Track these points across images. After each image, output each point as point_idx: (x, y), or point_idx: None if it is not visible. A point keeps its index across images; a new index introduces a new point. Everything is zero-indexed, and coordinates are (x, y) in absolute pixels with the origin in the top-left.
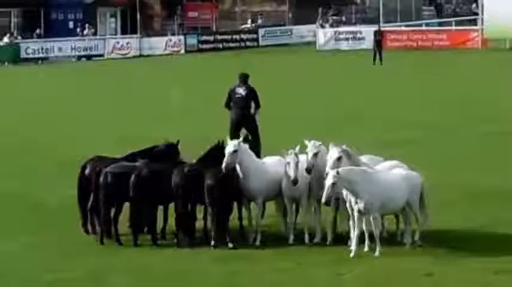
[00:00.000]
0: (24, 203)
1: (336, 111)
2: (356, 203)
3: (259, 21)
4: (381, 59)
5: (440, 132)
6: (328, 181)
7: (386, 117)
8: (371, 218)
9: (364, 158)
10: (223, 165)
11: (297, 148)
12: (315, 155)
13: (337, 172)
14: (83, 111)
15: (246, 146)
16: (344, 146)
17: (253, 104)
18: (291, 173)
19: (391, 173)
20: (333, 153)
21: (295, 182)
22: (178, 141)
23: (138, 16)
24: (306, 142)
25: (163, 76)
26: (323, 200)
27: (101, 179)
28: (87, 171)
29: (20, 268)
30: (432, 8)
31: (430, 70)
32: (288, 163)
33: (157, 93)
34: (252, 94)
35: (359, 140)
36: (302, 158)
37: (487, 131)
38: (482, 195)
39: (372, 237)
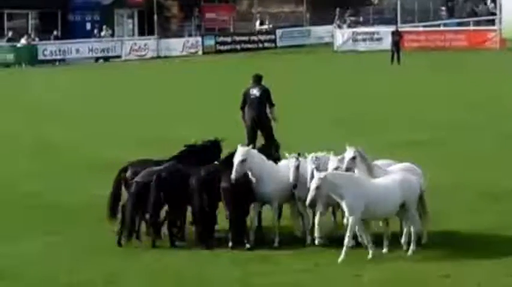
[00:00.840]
0: (44, 203)
1: (356, 112)
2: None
3: (267, 21)
4: (398, 60)
5: (462, 132)
6: (313, 184)
7: (406, 117)
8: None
9: (377, 162)
10: (232, 175)
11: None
12: (297, 168)
13: (323, 175)
14: (102, 112)
15: (255, 152)
16: (359, 147)
17: (268, 104)
18: (290, 177)
19: (385, 178)
20: (348, 153)
21: (294, 186)
22: (221, 140)
23: (156, 17)
24: (287, 155)
25: (181, 77)
26: (307, 202)
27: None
28: (127, 173)
29: (37, 269)
30: (453, 7)
31: (448, 70)
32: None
33: (175, 94)
34: (265, 94)
35: (381, 141)
36: (322, 159)
37: (508, 131)
38: (504, 196)
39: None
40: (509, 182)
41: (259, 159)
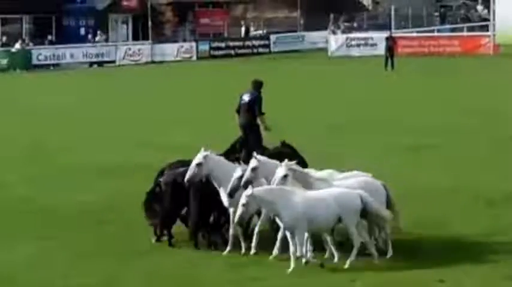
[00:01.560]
0: (38, 208)
1: (351, 117)
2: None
3: (251, 28)
4: (392, 65)
5: (457, 136)
6: (241, 201)
7: (400, 122)
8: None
9: (324, 173)
10: (186, 178)
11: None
12: (253, 169)
13: (250, 192)
14: (97, 116)
15: (214, 156)
16: (292, 164)
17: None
18: (228, 186)
19: (319, 191)
20: (280, 171)
21: (230, 194)
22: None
23: (150, 22)
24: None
25: (176, 82)
26: (235, 220)
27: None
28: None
29: (32, 274)
30: (446, 13)
31: (442, 76)
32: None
33: (169, 99)
34: (253, 101)
35: (376, 146)
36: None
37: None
38: (500, 200)
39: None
40: (505, 186)
41: (221, 163)
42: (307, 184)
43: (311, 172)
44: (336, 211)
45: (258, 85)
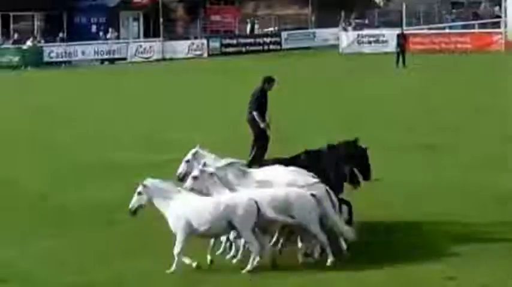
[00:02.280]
0: (50, 205)
1: (362, 113)
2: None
3: (256, 25)
4: (404, 62)
5: (468, 134)
6: (136, 190)
7: (412, 119)
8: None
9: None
10: (177, 173)
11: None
12: (187, 161)
13: (144, 185)
14: (108, 113)
15: (206, 153)
16: (205, 168)
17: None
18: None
19: (209, 198)
20: (194, 172)
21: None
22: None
23: (161, 20)
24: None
25: (187, 79)
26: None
27: None
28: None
29: (43, 271)
30: (458, 10)
31: (454, 73)
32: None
33: (180, 96)
34: (251, 97)
35: (387, 143)
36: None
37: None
38: (510, 198)
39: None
40: None
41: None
42: (216, 185)
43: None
44: (223, 216)
45: (262, 80)
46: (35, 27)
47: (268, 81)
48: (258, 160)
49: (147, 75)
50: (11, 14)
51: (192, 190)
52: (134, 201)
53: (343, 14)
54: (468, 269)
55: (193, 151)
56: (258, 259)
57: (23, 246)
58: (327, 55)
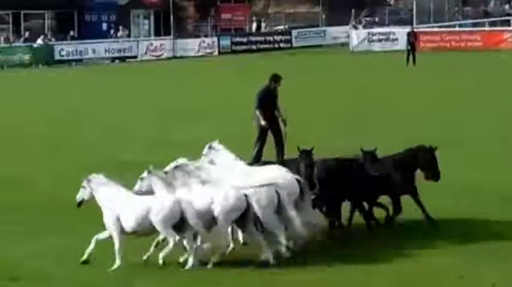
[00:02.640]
0: (63, 203)
1: (372, 111)
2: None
3: (263, 24)
4: (414, 60)
5: (479, 132)
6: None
7: (421, 117)
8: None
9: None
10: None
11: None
12: (142, 179)
13: (88, 179)
14: (119, 112)
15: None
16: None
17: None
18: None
19: (150, 197)
20: (143, 174)
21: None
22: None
23: (172, 18)
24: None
25: (197, 78)
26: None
27: None
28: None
29: (57, 268)
30: (468, 8)
31: (464, 71)
32: None
33: (190, 94)
34: (256, 95)
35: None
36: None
37: None
38: None
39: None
40: None
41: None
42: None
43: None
44: (145, 214)
45: (269, 78)
46: (46, 25)
47: (275, 79)
48: (259, 157)
49: (157, 73)
50: (22, 12)
51: (141, 191)
52: (79, 194)
53: (353, 12)
54: (477, 269)
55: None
56: (192, 260)
57: (35, 244)
58: (337, 53)
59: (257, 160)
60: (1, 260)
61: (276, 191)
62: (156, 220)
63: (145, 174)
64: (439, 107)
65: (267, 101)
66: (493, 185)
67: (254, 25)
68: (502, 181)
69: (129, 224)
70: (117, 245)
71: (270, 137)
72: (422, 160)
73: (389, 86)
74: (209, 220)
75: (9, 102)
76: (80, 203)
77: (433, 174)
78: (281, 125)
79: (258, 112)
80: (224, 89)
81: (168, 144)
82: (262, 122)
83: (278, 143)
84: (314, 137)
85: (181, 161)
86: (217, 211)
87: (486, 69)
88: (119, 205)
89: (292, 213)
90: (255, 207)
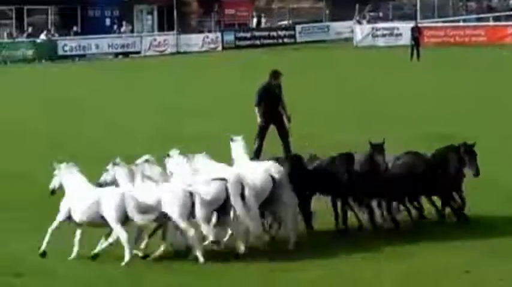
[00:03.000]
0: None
1: (376, 106)
2: None
3: (263, 19)
4: (418, 55)
5: (484, 128)
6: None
7: (426, 112)
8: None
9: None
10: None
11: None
12: (106, 171)
13: (59, 167)
14: (122, 107)
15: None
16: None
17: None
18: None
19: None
20: (108, 166)
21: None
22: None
23: (175, 13)
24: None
25: (200, 73)
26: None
27: None
28: None
29: (61, 264)
30: (472, 3)
31: (467, 66)
32: None
33: (194, 89)
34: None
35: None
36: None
37: None
38: None
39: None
40: None
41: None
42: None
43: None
44: (95, 207)
45: (269, 75)
46: (49, 20)
47: (274, 75)
48: (259, 152)
49: (161, 69)
50: (25, 7)
51: (106, 183)
52: (52, 182)
53: (357, 7)
54: (484, 264)
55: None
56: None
57: (37, 240)
58: (341, 48)
59: (257, 156)
60: (4, 256)
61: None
62: (106, 211)
63: (110, 166)
64: (443, 102)
65: (267, 98)
66: (501, 181)
67: (254, 20)
68: (507, 176)
69: (77, 216)
70: (53, 227)
71: (275, 133)
72: None
73: (393, 81)
74: (157, 215)
75: (12, 98)
76: (52, 192)
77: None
78: (285, 121)
79: (256, 110)
80: (228, 84)
81: (173, 139)
82: (259, 120)
83: (283, 139)
84: (319, 131)
85: (172, 153)
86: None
87: (490, 64)
88: (73, 196)
89: (241, 211)
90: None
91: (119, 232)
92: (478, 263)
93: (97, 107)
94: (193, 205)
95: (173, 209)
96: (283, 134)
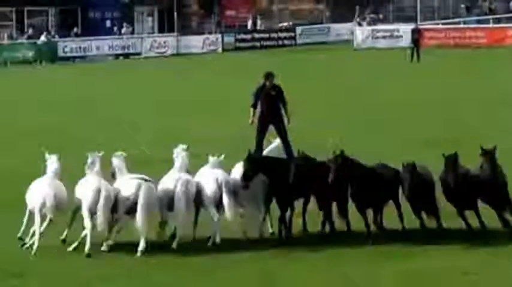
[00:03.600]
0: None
1: (375, 109)
2: None
3: (259, 21)
4: (418, 57)
5: (483, 131)
6: None
7: (426, 115)
8: None
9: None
10: None
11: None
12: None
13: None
14: (123, 109)
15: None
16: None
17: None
18: None
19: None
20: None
21: None
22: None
23: (175, 15)
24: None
25: (200, 74)
26: None
27: None
28: None
29: (56, 265)
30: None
31: (468, 68)
32: None
33: (194, 91)
34: None
35: (397, 139)
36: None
37: None
38: None
39: None
40: None
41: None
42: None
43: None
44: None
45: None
46: (50, 22)
47: (265, 76)
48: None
49: (161, 70)
50: (25, 8)
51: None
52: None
53: (357, 9)
54: (482, 266)
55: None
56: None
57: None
58: (341, 50)
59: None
60: (3, 257)
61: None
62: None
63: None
64: (443, 104)
65: (261, 99)
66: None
67: (249, 22)
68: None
69: (31, 204)
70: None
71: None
72: None
73: (393, 83)
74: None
75: (15, 100)
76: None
77: None
78: (285, 121)
79: (251, 111)
80: (228, 86)
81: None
82: (250, 120)
83: (283, 140)
84: (319, 133)
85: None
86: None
87: (490, 65)
88: (36, 186)
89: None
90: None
91: (87, 223)
92: (477, 265)
93: (98, 108)
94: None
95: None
96: (282, 134)
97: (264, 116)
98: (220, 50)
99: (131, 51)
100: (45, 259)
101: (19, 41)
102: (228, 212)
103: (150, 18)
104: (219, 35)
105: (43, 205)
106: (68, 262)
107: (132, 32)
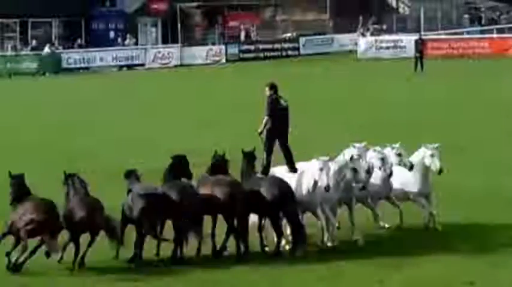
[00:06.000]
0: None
1: (380, 118)
2: None
3: (253, 33)
4: (422, 67)
5: (488, 138)
6: None
7: (430, 123)
8: None
9: None
10: None
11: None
12: None
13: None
14: (125, 120)
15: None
16: None
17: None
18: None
19: None
20: None
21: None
22: None
23: (179, 26)
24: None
25: (204, 85)
26: None
27: None
28: None
29: (66, 275)
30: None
31: (471, 78)
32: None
33: (198, 102)
34: None
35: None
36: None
37: None
38: None
39: None
40: None
41: None
42: None
43: None
44: None
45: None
46: (53, 33)
47: (270, 87)
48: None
49: (165, 81)
50: (29, 20)
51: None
52: None
53: (361, 19)
54: (487, 275)
55: None
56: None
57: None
58: (345, 60)
59: (267, 166)
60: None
61: None
62: None
63: None
64: (447, 113)
65: (277, 110)
66: (502, 190)
67: (242, 34)
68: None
69: None
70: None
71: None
72: None
73: (397, 93)
74: None
75: (18, 112)
76: None
77: None
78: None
79: (265, 119)
80: (231, 97)
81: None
82: (259, 130)
83: (286, 152)
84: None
85: None
86: None
87: (493, 75)
88: None
89: None
90: None
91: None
92: (480, 273)
93: (101, 120)
94: None
95: None
96: (287, 147)
97: (275, 127)
98: (224, 60)
99: (135, 62)
100: (50, 270)
101: (23, 52)
102: None
103: (153, 29)
104: (223, 46)
105: None
106: (73, 272)
107: (136, 43)
